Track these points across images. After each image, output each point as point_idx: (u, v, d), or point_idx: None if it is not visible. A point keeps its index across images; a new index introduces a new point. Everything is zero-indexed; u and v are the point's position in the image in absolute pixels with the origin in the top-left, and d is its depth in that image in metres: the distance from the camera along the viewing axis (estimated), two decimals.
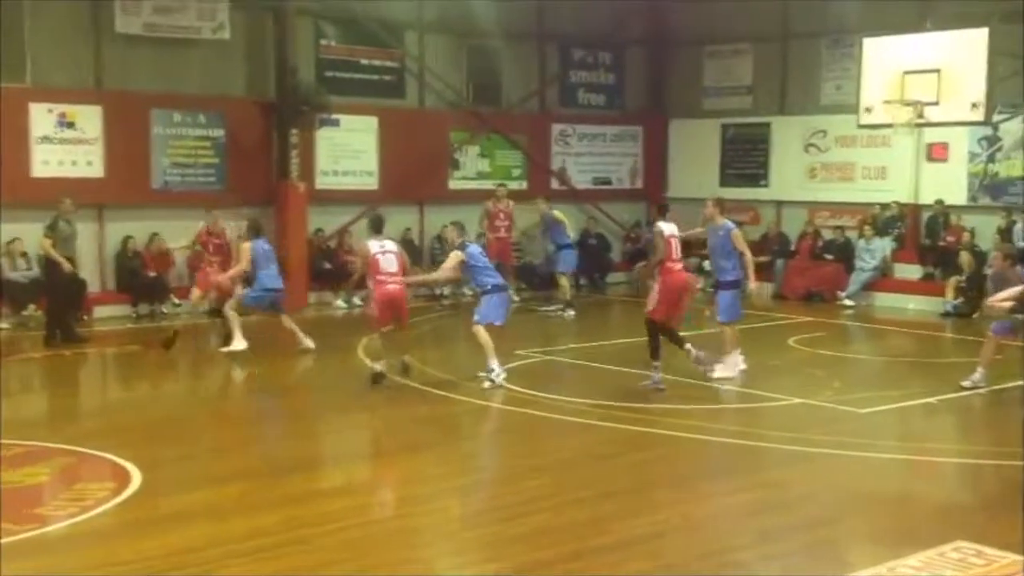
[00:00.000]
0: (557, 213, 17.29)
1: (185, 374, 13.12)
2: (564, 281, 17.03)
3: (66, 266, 13.72)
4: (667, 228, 11.32)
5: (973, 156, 17.90)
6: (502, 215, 17.90)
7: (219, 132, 17.39)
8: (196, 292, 14.64)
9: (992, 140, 17.55)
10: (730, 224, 11.92)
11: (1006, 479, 8.51)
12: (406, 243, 18.99)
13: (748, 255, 11.85)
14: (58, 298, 14.00)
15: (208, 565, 6.19)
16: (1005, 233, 16.91)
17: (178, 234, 16.64)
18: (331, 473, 8.70)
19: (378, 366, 11.18)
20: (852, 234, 18.96)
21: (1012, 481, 8.49)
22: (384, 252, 11.37)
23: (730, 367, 11.73)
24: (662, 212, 12.02)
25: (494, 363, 11.12)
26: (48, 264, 13.97)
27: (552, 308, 16.96)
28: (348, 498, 7.64)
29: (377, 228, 11.75)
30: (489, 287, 11.52)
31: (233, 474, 8.13)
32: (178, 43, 16.80)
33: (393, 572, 6.22)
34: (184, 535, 6.66)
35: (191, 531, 6.74)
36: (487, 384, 11.04)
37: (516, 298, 16.59)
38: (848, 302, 18.00)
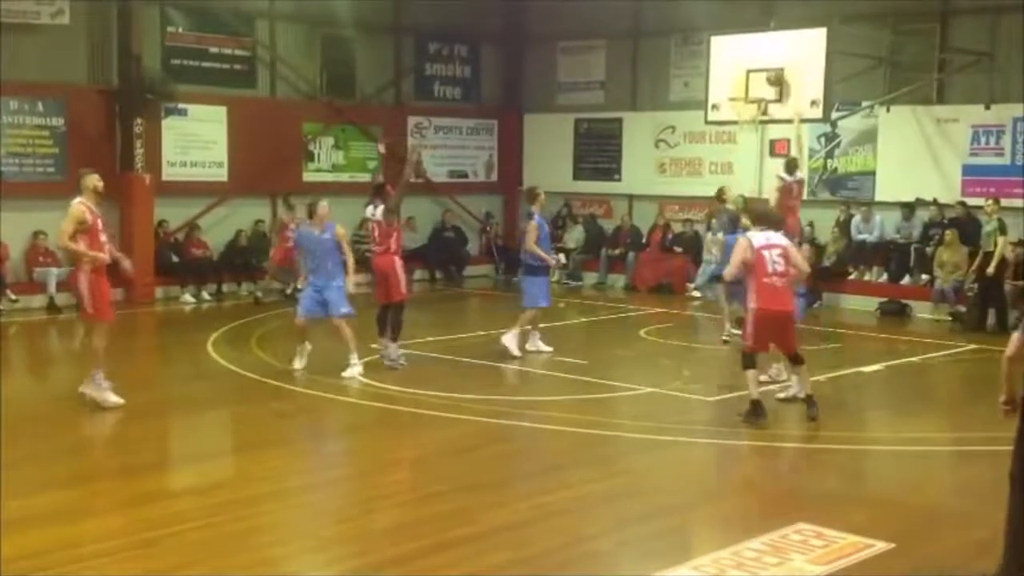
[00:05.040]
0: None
1: (29, 373, 12.56)
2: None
3: None
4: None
5: (813, 152, 18.63)
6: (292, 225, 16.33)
7: (59, 121, 16.72)
8: None
9: (831, 137, 18.31)
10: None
11: (844, 463, 8.93)
12: (258, 236, 18.68)
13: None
14: None
15: (55, 569, 5.97)
16: (843, 226, 17.68)
17: (13, 227, 15.93)
18: (183, 472, 8.47)
19: None
20: (700, 227, 19.51)
21: (850, 465, 8.92)
22: None
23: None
24: None
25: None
26: None
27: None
28: (200, 497, 7.44)
29: None
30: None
31: (80, 475, 7.84)
32: (14, 28, 16.03)
33: (248, 572, 6.09)
34: (29, 539, 6.39)
35: (36, 534, 6.48)
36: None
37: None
38: (696, 293, 18.51)
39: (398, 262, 11.86)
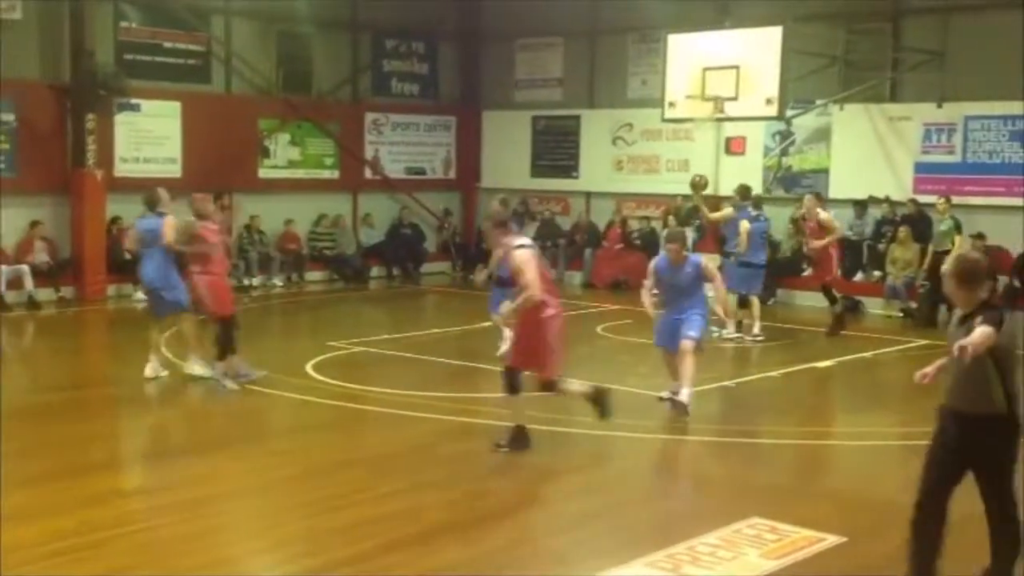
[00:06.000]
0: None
1: None
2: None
3: None
4: None
5: (768, 150, 18.79)
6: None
7: (10, 117, 16.49)
8: None
9: (785, 135, 18.46)
10: None
11: (798, 458, 9.01)
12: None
13: None
14: None
15: (2, 572, 5.85)
16: (798, 223, 17.81)
17: None
18: (133, 473, 8.38)
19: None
20: (657, 224, 19.59)
21: (803, 460, 9.00)
22: None
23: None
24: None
25: None
26: None
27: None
28: (151, 498, 7.36)
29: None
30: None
31: (28, 476, 7.69)
32: None
33: (200, 573, 6.02)
34: None
35: None
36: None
37: None
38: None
39: (201, 279, 10.59)
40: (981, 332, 4.95)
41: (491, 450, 8.41)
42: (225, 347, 10.60)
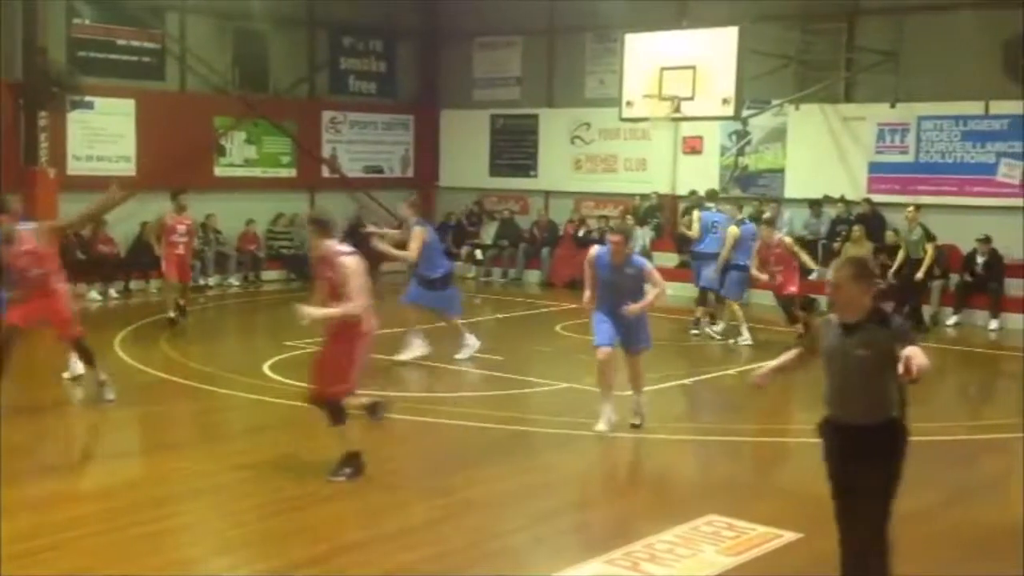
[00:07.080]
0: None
1: None
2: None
3: None
4: None
5: (724, 149, 18.92)
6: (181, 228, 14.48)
7: None
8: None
9: (742, 134, 18.61)
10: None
11: (754, 455, 9.08)
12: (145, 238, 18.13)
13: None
14: None
15: None
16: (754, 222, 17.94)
17: None
18: (86, 475, 8.27)
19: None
20: (616, 223, 19.64)
21: (759, 457, 9.08)
22: None
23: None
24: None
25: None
26: None
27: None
28: (108, 500, 7.27)
29: None
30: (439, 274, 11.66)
31: None
32: None
33: (159, 574, 5.97)
34: None
35: None
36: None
37: None
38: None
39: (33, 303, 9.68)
40: (922, 354, 4.71)
41: (326, 481, 7.53)
42: (88, 359, 9.99)
